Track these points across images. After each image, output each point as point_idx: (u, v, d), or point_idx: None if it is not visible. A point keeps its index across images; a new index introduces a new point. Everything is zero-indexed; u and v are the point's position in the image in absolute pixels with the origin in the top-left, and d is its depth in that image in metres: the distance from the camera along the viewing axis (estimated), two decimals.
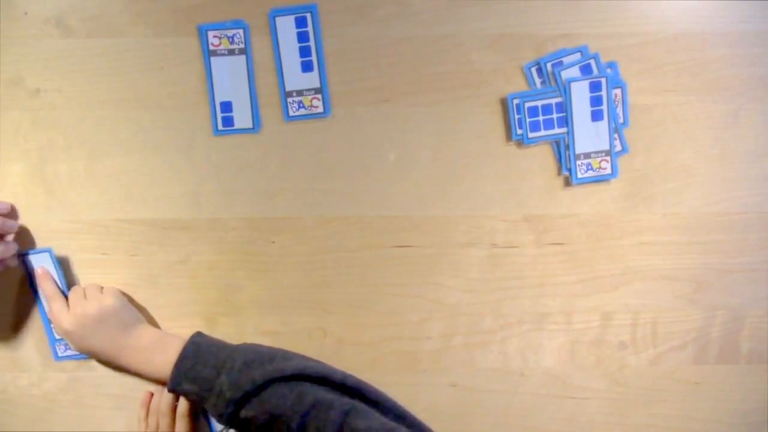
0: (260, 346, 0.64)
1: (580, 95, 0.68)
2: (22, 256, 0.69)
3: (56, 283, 0.68)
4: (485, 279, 0.71)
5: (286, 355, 0.62)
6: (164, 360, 0.63)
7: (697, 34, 0.69)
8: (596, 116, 0.69)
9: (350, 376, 0.60)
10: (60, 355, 0.70)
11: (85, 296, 0.66)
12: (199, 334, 0.65)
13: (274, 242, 0.70)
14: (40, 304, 0.69)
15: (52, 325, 0.69)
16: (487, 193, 0.70)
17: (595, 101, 0.68)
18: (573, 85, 0.68)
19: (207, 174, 0.70)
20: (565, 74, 0.69)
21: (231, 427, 0.60)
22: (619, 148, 0.69)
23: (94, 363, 0.71)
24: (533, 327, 0.71)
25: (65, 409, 0.71)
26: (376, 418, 0.56)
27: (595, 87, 0.68)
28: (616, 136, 0.69)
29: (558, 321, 0.71)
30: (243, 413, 0.58)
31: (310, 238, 0.70)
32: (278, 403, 0.57)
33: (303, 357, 0.63)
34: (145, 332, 0.66)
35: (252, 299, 0.71)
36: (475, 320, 0.71)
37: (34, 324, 0.71)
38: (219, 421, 0.60)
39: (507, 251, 0.71)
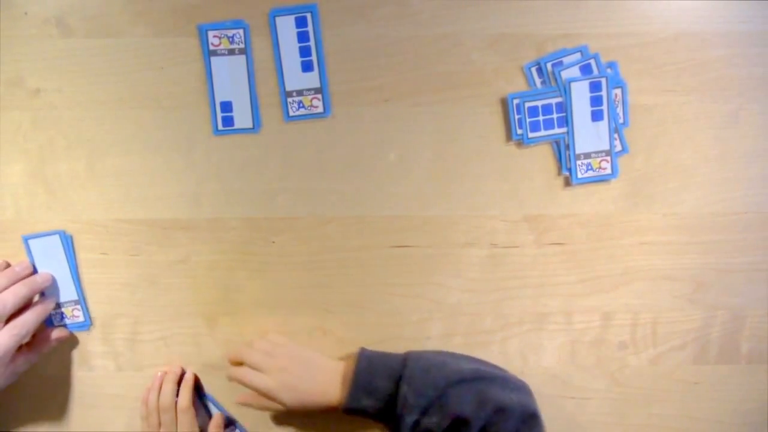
0: (426, 352, 0.64)
1: (580, 95, 0.68)
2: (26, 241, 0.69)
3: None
4: (485, 279, 0.71)
5: (453, 356, 0.62)
6: (337, 380, 0.62)
7: (697, 34, 0.69)
8: (596, 116, 0.69)
9: (517, 378, 0.60)
10: (56, 325, 0.70)
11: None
12: (364, 349, 0.65)
13: (274, 242, 0.70)
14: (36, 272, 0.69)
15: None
16: (487, 193, 0.70)
17: (595, 101, 0.68)
18: (573, 85, 0.68)
19: (207, 174, 0.70)
20: (565, 74, 0.69)
21: None
22: (619, 148, 0.69)
23: (94, 363, 0.71)
24: (533, 327, 0.71)
25: (65, 409, 0.71)
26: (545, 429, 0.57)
27: (595, 87, 0.68)
28: (616, 136, 0.69)
29: (558, 321, 0.71)
30: (426, 421, 0.57)
31: (310, 238, 0.70)
32: (460, 407, 0.57)
33: (469, 357, 0.63)
34: (322, 362, 0.65)
35: (252, 299, 0.71)
36: (475, 320, 0.71)
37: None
38: None
39: (507, 251, 0.71)
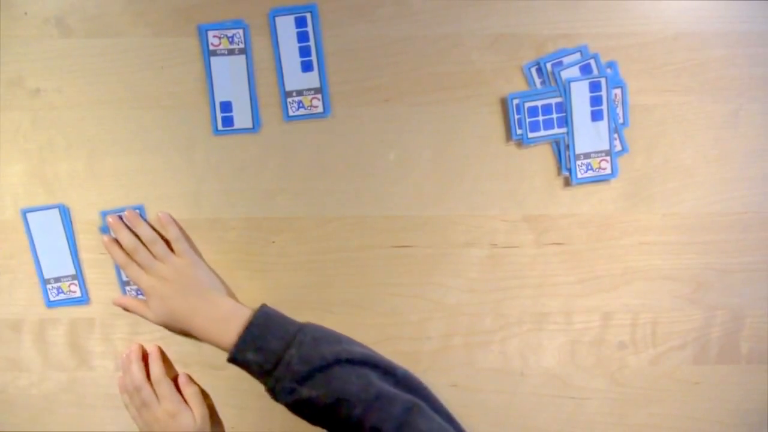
0: (325, 327, 0.61)
1: (580, 95, 0.68)
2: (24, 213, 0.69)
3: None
4: (485, 279, 0.71)
5: (350, 340, 0.60)
6: (232, 328, 0.59)
7: (697, 34, 0.69)
8: (596, 116, 0.69)
9: (410, 374, 0.59)
10: (52, 299, 0.70)
11: (157, 257, 0.63)
12: (266, 305, 0.62)
13: (274, 242, 0.70)
14: (35, 254, 0.69)
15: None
16: (487, 193, 0.70)
17: (595, 101, 0.68)
18: (573, 85, 0.68)
19: (207, 174, 0.70)
20: (565, 74, 0.69)
21: (289, 406, 0.57)
22: (619, 148, 0.69)
23: (94, 363, 0.71)
24: (533, 327, 0.71)
25: (65, 409, 0.71)
26: (437, 421, 0.55)
27: (595, 87, 0.68)
28: (616, 136, 0.69)
29: (558, 321, 0.71)
30: (305, 392, 0.56)
31: (310, 238, 0.70)
32: (344, 386, 0.55)
33: (365, 346, 0.61)
34: (222, 301, 0.62)
35: (252, 299, 0.71)
36: (475, 320, 0.71)
37: (34, 323, 0.71)
38: (277, 398, 0.58)
39: (507, 251, 0.71)
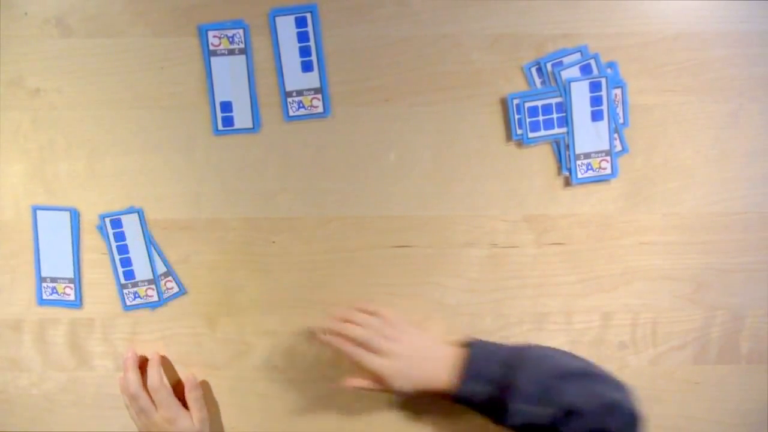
0: (538, 345, 0.64)
1: (580, 95, 0.68)
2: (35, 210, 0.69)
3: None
4: (485, 279, 0.71)
5: (564, 353, 0.62)
6: (450, 368, 0.61)
7: (697, 34, 0.69)
8: (596, 116, 0.69)
9: (623, 382, 0.60)
10: (44, 298, 0.70)
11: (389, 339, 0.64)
12: (473, 337, 0.65)
13: (274, 242, 0.70)
14: (36, 251, 0.69)
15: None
16: (487, 193, 0.70)
17: (595, 101, 0.68)
18: (573, 85, 0.68)
19: (207, 174, 0.70)
20: (565, 74, 0.69)
21: (518, 428, 0.58)
22: (619, 148, 0.69)
23: (94, 362, 0.71)
24: (533, 327, 0.71)
25: (65, 409, 0.71)
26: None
27: (595, 87, 0.68)
28: (616, 136, 0.69)
29: (558, 321, 0.71)
30: (539, 411, 0.57)
31: (310, 238, 0.70)
32: (572, 400, 0.57)
33: (579, 357, 0.63)
34: (433, 345, 0.65)
35: (252, 299, 0.71)
36: (475, 320, 0.71)
37: (34, 323, 0.71)
38: (506, 422, 0.59)
39: (507, 251, 0.71)
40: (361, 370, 0.64)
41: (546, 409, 0.57)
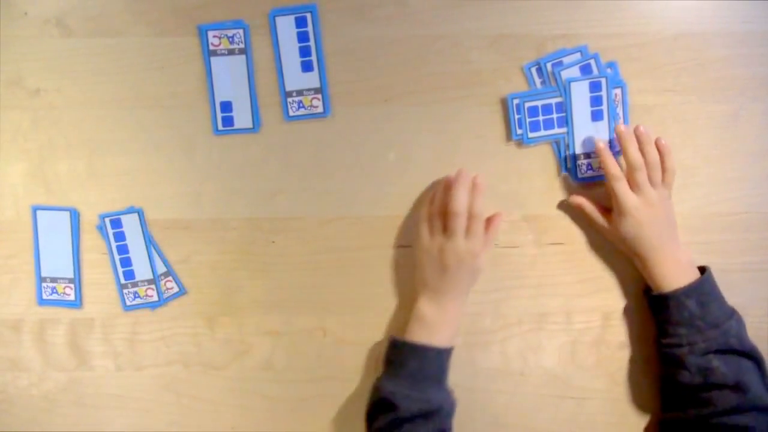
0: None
1: (580, 95, 0.68)
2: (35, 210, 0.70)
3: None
4: (485, 279, 0.70)
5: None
6: (683, 277, 0.63)
7: (697, 34, 0.69)
8: (596, 116, 0.69)
9: None
10: (44, 298, 0.70)
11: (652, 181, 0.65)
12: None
13: (274, 242, 0.70)
14: (36, 251, 0.69)
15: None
16: (487, 193, 0.70)
17: (595, 101, 0.68)
18: (573, 85, 0.68)
19: (207, 174, 0.70)
20: (565, 74, 0.69)
21: (692, 368, 0.61)
22: (619, 147, 0.69)
23: (94, 362, 0.71)
24: (533, 327, 0.71)
25: (65, 409, 0.71)
26: None
27: (594, 87, 0.68)
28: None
29: (558, 321, 0.71)
30: (716, 363, 0.60)
31: (310, 238, 0.70)
32: (745, 375, 0.60)
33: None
34: (679, 248, 0.66)
35: (252, 299, 0.71)
36: (475, 320, 0.71)
37: (34, 323, 0.71)
38: (683, 354, 0.62)
39: (507, 251, 0.71)
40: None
41: (722, 366, 0.60)
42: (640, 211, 0.64)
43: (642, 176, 0.64)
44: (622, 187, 0.64)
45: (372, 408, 0.64)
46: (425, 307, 0.65)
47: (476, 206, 0.63)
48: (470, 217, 0.63)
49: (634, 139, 0.64)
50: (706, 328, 0.61)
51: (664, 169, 0.65)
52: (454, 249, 0.63)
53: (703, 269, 0.65)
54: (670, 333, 0.63)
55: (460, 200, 0.62)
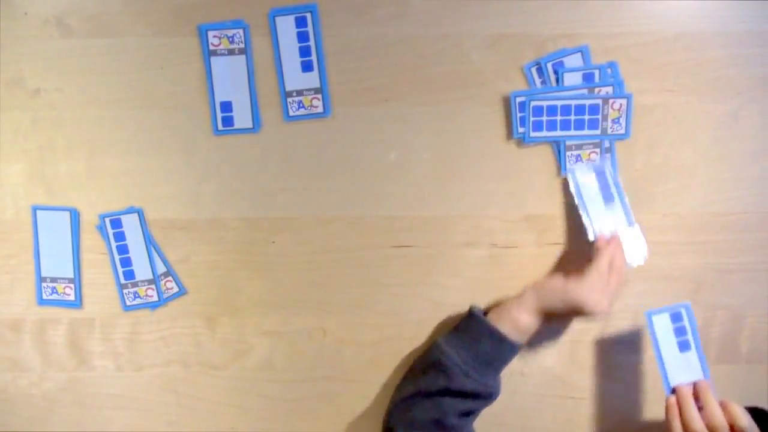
0: None
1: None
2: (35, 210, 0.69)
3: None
4: (485, 279, 0.71)
5: None
6: None
7: (697, 34, 0.69)
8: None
9: None
10: (44, 298, 0.70)
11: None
12: None
13: (274, 242, 0.70)
14: (36, 251, 0.69)
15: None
16: (487, 193, 0.70)
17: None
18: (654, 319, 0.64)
19: (207, 174, 0.70)
20: (567, 78, 0.68)
21: None
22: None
23: (94, 362, 0.71)
24: None
25: (65, 409, 0.71)
26: None
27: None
28: (608, 155, 0.69)
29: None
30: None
31: (310, 238, 0.70)
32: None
33: None
34: None
35: (252, 299, 0.71)
36: None
37: (34, 323, 0.71)
38: None
39: (507, 251, 0.71)
40: None
41: None
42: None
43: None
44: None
45: (427, 365, 0.65)
46: (525, 315, 0.64)
47: (712, 416, 0.59)
48: (709, 429, 0.59)
49: (691, 400, 0.61)
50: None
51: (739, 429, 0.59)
52: None
53: None
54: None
55: (695, 419, 0.59)
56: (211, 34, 0.69)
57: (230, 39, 0.69)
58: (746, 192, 0.70)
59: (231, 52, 0.69)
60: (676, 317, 0.64)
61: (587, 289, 0.62)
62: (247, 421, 0.72)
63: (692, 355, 0.63)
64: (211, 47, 0.69)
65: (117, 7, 0.69)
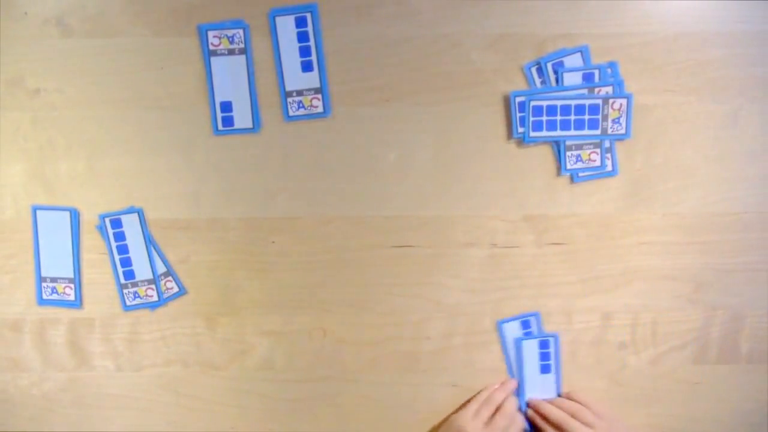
0: None
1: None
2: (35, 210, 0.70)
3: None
4: (485, 279, 0.71)
5: None
6: None
7: (697, 34, 0.69)
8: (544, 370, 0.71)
9: None
10: (44, 298, 0.70)
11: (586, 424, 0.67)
12: None
13: (274, 242, 0.70)
14: (36, 251, 0.69)
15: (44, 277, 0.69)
16: (487, 193, 0.70)
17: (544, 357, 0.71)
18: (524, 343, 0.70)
19: (207, 174, 0.70)
20: (567, 79, 0.68)
21: None
22: (609, 168, 0.69)
23: (94, 362, 0.71)
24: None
25: (65, 409, 0.71)
26: None
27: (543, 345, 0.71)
28: (608, 156, 0.69)
29: (558, 321, 0.71)
30: None
31: (310, 238, 0.70)
32: None
33: None
34: None
35: (252, 299, 0.71)
36: (475, 320, 0.71)
37: (34, 323, 0.71)
38: None
39: (507, 251, 0.71)
40: None
41: None
42: None
43: (572, 426, 0.65)
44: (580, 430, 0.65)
45: None
46: None
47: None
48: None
49: (544, 402, 0.69)
50: None
51: (585, 403, 0.68)
52: None
53: None
54: None
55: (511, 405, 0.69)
56: (211, 34, 0.69)
57: (230, 39, 0.69)
58: (746, 192, 0.70)
59: (231, 52, 0.69)
60: (543, 344, 0.71)
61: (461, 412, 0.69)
62: (247, 421, 0.72)
63: (551, 377, 0.71)
64: (211, 47, 0.69)
65: (117, 7, 0.69)
